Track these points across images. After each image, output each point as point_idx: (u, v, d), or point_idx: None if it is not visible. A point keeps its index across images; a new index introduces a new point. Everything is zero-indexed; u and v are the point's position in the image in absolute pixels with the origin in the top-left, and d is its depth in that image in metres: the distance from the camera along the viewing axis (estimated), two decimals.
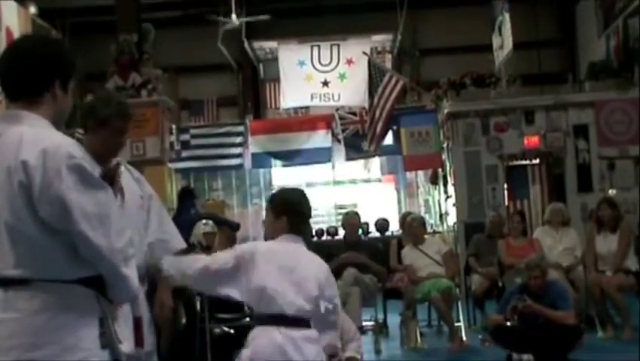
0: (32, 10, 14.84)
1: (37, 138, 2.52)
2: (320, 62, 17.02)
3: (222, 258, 4.15)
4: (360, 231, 10.42)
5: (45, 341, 2.50)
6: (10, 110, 2.66)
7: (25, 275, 2.52)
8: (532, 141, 12.24)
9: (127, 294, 2.71)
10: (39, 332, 2.50)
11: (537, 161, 12.60)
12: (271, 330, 3.94)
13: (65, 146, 2.54)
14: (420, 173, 16.08)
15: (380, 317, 9.60)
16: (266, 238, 4.56)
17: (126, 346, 2.73)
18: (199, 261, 4.16)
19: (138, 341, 3.27)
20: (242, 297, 4.09)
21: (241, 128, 15.19)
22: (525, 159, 12.55)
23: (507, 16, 13.40)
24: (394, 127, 13.78)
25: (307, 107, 17.53)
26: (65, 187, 2.47)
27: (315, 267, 4.21)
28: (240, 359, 4.02)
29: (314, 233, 12.67)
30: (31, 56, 2.67)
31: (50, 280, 2.53)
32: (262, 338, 3.94)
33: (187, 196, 9.98)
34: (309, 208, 4.41)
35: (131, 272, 2.64)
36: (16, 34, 13.11)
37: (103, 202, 2.56)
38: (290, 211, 4.27)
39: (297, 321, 3.96)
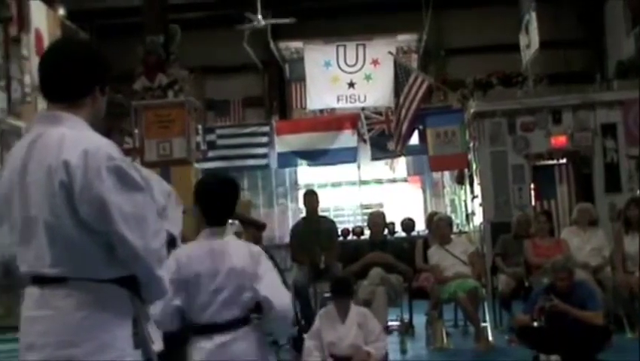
0: (61, 12, 14.98)
1: (78, 139, 2.56)
2: (346, 63, 17.05)
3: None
4: (385, 230, 10.42)
5: (80, 339, 2.53)
6: (51, 111, 2.70)
7: (62, 274, 2.56)
8: (559, 140, 12.17)
9: (160, 294, 2.75)
10: (74, 329, 2.54)
11: (564, 160, 12.51)
12: (203, 340, 3.82)
13: (105, 147, 2.58)
14: (446, 173, 16.04)
15: (406, 316, 9.59)
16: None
17: (157, 346, 2.75)
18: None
19: None
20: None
21: (267, 129, 15.24)
22: (552, 159, 12.48)
23: (533, 15, 13.32)
24: (420, 127, 13.76)
25: (333, 108, 17.54)
26: (104, 188, 2.51)
27: (240, 259, 3.86)
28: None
29: (340, 233, 12.65)
30: (76, 61, 2.72)
31: (85, 279, 2.57)
32: (196, 350, 3.83)
33: None
34: (222, 195, 4.00)
35: (164, 273, 2.68)
36: (45, 36, 13.26)
37: (141, 203, 2.60)
38: (199, 199, 3.98)
39: (229, 325, 3.80)
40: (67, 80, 2.69)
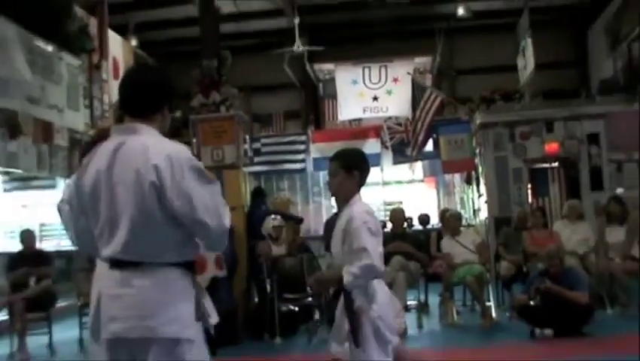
0: (133, 42, 15.22)
1: (160, 146, 2.70)
2: (370, 81, 17.09)
3: (377, 250, 3.75)
4: (405, 224, 10.45)
5: (155, 313, 2.64)
6: (129, 123, 2.80)
7: (139, 259, 2.67)
8: (552, 147, 12.04)
9: (222, 249, 2.93)
10: (150, 304, 2.65)
11: (556, 164, 12.42)
12: (382, 283, 3.85)
13: (184, 152, 2.72)
14: (456, 175, 15.96)
15: (422, 297, 9.64)
16: (336, 198, 4.06)
17: (214, 319, 2.85)
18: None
19: None
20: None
21: (304, 138, 15.29)
22: (546, 163, 12.39)
23: (529, 40, 13.27)
24: (434, 135, 13.73)
25: (360, 120, 17.56)
26: (190, 184, 2.64)
27: None
28: (364, 310, 3.63)
29: None
30: (151, 84, 2.85)
31: (157, 264, 2.69)
32: (381, 291, 3.75)
33: (258, 195, 10.12)
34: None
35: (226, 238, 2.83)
36: (120, 63, 13.48)
37: (215, 193, 2.73)
38: (362, 165, 3.89)
39: None
40: (144, 99, 2.81)
